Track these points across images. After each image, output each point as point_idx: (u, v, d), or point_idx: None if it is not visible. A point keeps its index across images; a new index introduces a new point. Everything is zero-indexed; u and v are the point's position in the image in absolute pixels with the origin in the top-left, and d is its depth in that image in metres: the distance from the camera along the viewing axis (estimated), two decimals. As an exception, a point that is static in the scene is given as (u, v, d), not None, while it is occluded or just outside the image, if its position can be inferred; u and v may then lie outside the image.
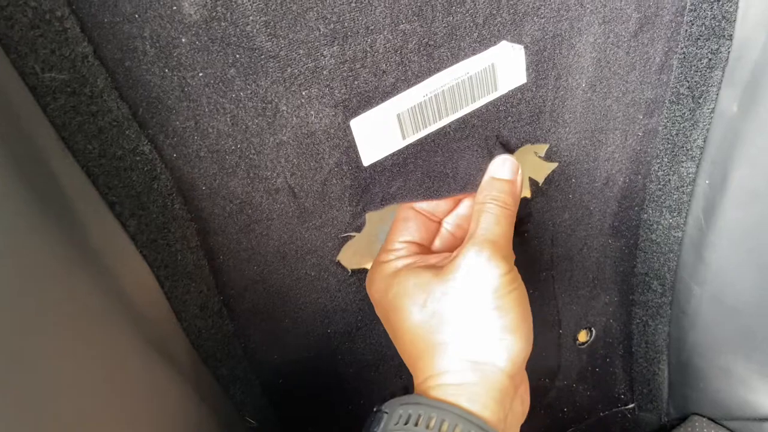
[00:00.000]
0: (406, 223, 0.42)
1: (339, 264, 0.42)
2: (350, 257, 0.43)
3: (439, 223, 0.44)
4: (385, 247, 0.42)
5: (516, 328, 0.36)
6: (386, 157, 0.38)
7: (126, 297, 0.30)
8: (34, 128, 0.27)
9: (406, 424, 0.34)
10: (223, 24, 0.29)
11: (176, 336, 0.36)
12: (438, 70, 0.36)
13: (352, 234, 0.41)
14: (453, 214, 0.44)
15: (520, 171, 0.41)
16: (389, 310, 0.39)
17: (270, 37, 0.31)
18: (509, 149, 0.42)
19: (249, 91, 0.32)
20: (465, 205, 0.43)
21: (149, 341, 0.32)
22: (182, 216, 0.33)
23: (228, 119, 0.32)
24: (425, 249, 0.42)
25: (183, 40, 0.29)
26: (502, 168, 0.41)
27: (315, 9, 0.31)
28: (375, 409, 0.37)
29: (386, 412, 0.36)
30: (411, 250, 0.41)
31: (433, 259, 0.40)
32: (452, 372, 0.36)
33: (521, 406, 0.39)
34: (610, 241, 0.54)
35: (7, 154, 0.24)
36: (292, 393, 0.48)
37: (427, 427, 0.33)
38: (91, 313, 0.28)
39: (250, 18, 0.30)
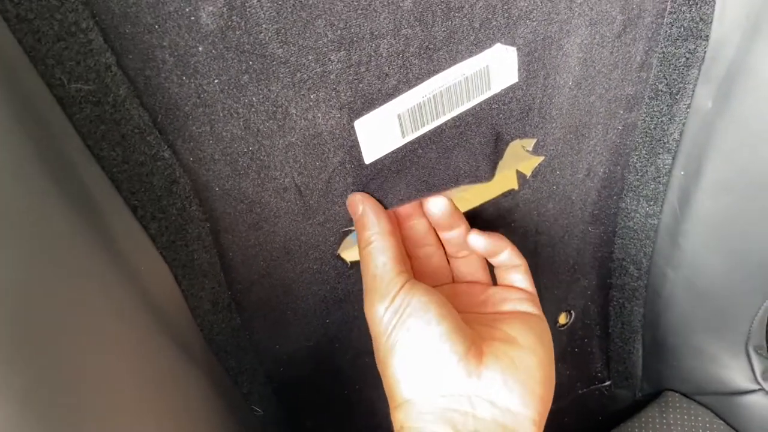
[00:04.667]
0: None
1: (339, 257, 0.44)
2: (350, 250, 0.44)
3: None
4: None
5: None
6: (386, 155, 0.40)
7: (148, 295, 0.32)
8: (62, 137, 0.27)
9: None
10: (237, 32, 0.30)
11: (192, 331, 0.37)
12: (437, 72, 0.38)
13: (352, 228, 0.42)
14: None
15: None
16: None
17: (281, 44, 0.32)
18: (500, 144, 0.44)
19: (261, 96, 0.33)
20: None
21: (169, 336, 0.33)
22: (198, 217, 0.34)
23: (241, 123, 0.33)
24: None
25: (200, 48, 0.30)
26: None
27: (324, 16, 0.32)
28: None
29: None
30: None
31: None
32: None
33: None
34: (590, 229, 0.56)
35: (41, 163, 0.25)
36: (292, 380, 0.49)
37: None
38: (117, 311, 0.29)
39: (263, 26, 0.31)
